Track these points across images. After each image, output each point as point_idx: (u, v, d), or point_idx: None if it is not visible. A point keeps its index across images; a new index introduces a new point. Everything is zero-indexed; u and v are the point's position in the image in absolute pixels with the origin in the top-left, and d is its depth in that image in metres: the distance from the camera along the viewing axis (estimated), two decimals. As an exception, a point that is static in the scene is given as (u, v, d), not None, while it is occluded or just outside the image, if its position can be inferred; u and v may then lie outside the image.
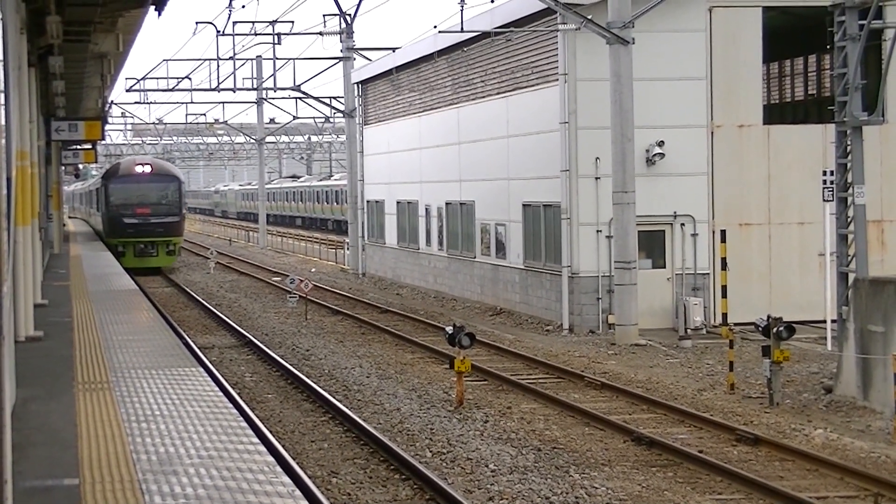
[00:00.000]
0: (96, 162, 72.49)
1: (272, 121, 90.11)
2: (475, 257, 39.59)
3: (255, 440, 11.49)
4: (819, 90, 40.69)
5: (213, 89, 58.29)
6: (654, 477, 16.68)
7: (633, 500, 15.49)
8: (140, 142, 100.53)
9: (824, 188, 26.81)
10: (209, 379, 15.29)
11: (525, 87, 35.31)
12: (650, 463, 17.49)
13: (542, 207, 34.02)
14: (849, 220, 23.25)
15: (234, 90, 58.44)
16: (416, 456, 17.54)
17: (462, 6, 33.89)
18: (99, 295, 27.44)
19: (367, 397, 22.71)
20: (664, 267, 32.33)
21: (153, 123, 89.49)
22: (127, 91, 61.14)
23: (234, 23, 52.62)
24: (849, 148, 23.29)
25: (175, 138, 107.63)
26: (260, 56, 65.91)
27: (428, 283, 44.41)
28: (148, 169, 55.68)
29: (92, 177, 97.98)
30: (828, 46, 24.25)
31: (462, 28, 34.79)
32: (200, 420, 12.47)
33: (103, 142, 73.17)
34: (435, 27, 39.06)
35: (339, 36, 55.31)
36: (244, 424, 12.27)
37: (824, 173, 27.08)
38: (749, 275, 32.33)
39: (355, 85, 54.74)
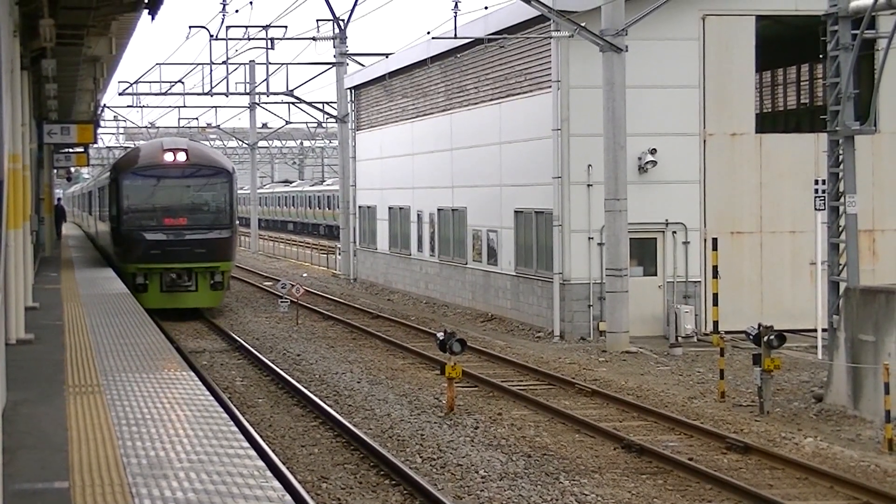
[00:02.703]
0: (88, 165, 72.32)
1: (265, 125, 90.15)
2: (467, 263, 39.60)
3: (246, 444, 11.48)
4: (811, 99, 40.77)
5: (206, 93, 58.28)
6: (643, 484, 16.69)
7: (622, 508, 15.49)
8: (132, 146, 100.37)
9: (816, 197, 26.85)
10: (200, 383, 15.28)
11: (518, 93, 35.33)
12: (640, 470, 17.50)
13: (534, 214, 34.04)
14: (840, 229, 23.29)
15: (226, 94, 58.46)
16: (406, 461, 17.54)
17: (455, 12, 33.93)
18: (90, 298, 27.41)
19: (358, 403, 22.70)
20: (655, 274, 32.36)
21: (145, 127, 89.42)
22: (120, 95, 61.14)
23: (228, 27, 52.58)
24: (841, 157, 23.33)
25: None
26: (253, 61, 65.92)
27: (419, 289, 44.41)
28: (182, 157, 37.14)
29: (83, 180, 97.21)
30: (820, 56, 24.29)
31: (455, 34, 34.82)
32: (191, 424, 12.46)
33: (95, 145, 73.11)
34: (428, 33, 39.08)
35: (332, 41, 55.34)
36: (234, 429, 12.26)
37: (816, 182, 27.12)
38: (740, 283, 32.37)
39: (348, 90, 54.77)
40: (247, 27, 53.03)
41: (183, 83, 60.48)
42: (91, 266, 39.78)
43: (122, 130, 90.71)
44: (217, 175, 37.52)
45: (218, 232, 36.84)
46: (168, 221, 36.63)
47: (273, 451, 18.04)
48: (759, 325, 22.18)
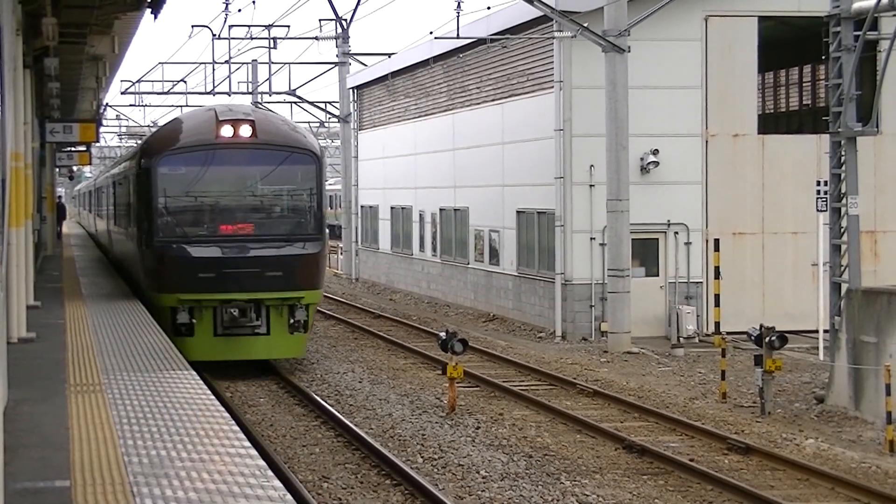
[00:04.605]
0: (90, 164, 72.22)
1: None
2: (469, 263, 39.60)
3: (247, 444, 11.48)
4: (814, 100, 40.76)
5: (209, 93, 58.22)
6: (644, 485, 16.69)
7: (623, 508, 15.50)
8: (135, 144, 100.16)
9: (818, 198, 26.85)
10: (201, 382, 15.27)
11: (520, 93, 35.33)
12: (641, 471, 17.51)
13: (536, 214, 34.04)
14: (842, 230, 23.28)
15: (229, 94, 58.32)
16: (407, 461, 17.54)
17: (458, 13, 33.96)
18: (92, 297, 27.41)
19: (359, 402, 22.70)
20: (657, 275, 32.35)
21: (148, 126, 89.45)
22: (122, 93, 61.07)
23: (230, 26, 52.51)
24: (843, 158, 23.32)
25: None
26: (255, 60, 65.89)
27: (421, 289, 44.41)
28: (246, 131, 25.34)
29: (85, 178, 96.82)
30: (823, 57, 24.29)
31: (458, 34, 34.83)
32: (192, 423, 12.46)
33: (97, 144, 73.08)
34: (431, 33, 39.09)
35: (334, 41, 55.33)
36: (236, 428, 12.26)
37: (818, 183, 27.12)
38: (742, 284, 32.36)
39: (351, 90, 54.77)
40: (249, 27, 52.96)
41: (185, 82, 60.44)
42: (93, 265, 39.70)
43: (124, 129, 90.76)
44: (299, 159, 25.62)
45: (301, 245, 25.23)
46: (225, 229, 25.28)
47: (274, 450, 18.06)
48: (761, 326, 22.18)
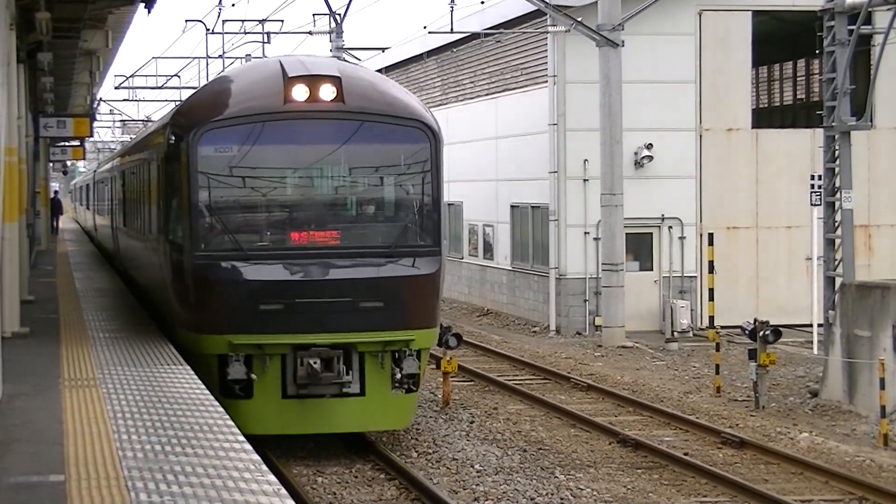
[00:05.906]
0: (84, 159, 72.11)
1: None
2: (463, 258, 39.60)
3: (241, 438, 11.47)
4: (808, 95, 40.79)
5: (203, 87, 58.06)
6: (639, 479, 16.70)
7: (618, 502, 15.52)
8: (129, 139, 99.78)
9: (812, 192, 26.86)
10: (195, 377, 15.25)
11: (514, 88, 35.32)
12: (635, 465, 17.52)
13: (531, 209, 34.04)
14: (836, 224, 23.31)
15: (223, 89, 58.08)
16: (401, 456, 17.54)
17: (452, 7, 33.94)
18: (86, 292, 27.37)
19: (354, 397, 22.65)
20: (651, 269, 32.37)
21: (142, 121, 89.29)
22: (116, 88, 60.95)
23: (224, 21, 52.36)
24: (837, 153, 23.34)
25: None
26: (249, 55, 65.79)
27: (415, 284, 44.36)
28: (329, 93, 16.87)
29: (80, 174, 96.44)
30: (817, 51, 24.31)
31: (452, 29, 34.83)
32: (187, 418, 12.46)
33: (91, 138, 72.95)
34: (425, 27, 39.09)
35: (328, 35, 55.25)
36: (230, 423, 12.25)
37: (812, 178, 27.14)
38: (736, 278, 32.39)
39: (344, 84, 54.66)
40: (243, 21, 52.86)
41: (179, 77, 60.32)
42: (88, 260, 39.61)
43: (118, 124, 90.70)
44: (407, 134, 17.49)
45: (409, 262, 17.22)
46: (298, 238, 17.27)
47: (268, 445, 18.04)
48: (755, 321, 22.20)
